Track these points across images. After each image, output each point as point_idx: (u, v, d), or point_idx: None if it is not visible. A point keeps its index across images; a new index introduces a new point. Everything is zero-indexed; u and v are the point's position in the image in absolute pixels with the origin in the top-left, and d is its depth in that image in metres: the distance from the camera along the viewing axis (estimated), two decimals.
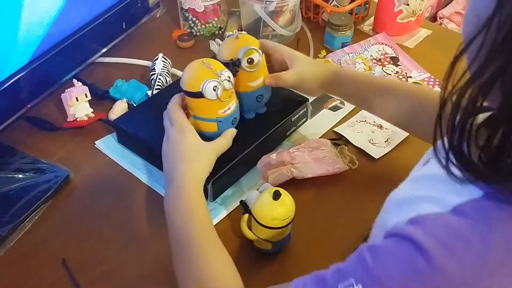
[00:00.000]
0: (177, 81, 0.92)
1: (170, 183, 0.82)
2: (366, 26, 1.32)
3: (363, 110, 1.06)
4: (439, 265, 0.49)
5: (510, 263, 0.49)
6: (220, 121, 0.88)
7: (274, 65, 0.98)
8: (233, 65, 0.89)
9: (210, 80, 0.83)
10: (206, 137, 0.87)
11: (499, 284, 0.49)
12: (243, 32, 0.93)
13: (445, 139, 0.53)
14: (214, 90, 0.84)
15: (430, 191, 0.58)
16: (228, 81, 0.86)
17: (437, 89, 1.12)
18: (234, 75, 0.89)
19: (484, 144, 0.50)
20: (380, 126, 1.03)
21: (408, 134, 1.00)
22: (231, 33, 1.22)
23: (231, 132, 0.89)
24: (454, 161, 0.53)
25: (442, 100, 0.53)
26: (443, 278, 0.49)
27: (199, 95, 0.84)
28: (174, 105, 0.88)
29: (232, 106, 0.88)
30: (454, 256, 0.49)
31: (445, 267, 0.49)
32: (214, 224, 0.86)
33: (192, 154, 0.83)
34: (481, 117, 0.53)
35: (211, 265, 0.72)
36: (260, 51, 0.90)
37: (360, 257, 0.54)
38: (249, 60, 0.89)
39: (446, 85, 0.52)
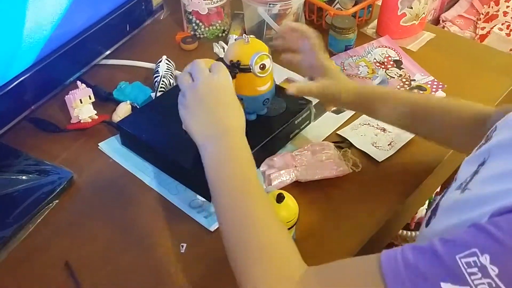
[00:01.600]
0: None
1: (216, 137, 0.74)
2: (370, 29, 1.32)
3: None
4: None
5: None
6: None
7: (303, 62, 0.97)
8: (232, 67, 0.89)
9: None
10: None
11: None
12: (252, 36, 0.93)
13: None
14: None
15: (508, 185, 0.57)
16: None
17: (441, 92, 1.12)
18: (233, 77, 0.89)
19: None
20: (384, 129, 1.03)
21: (411, 137, 1.00)
22: (236, 36, 1.23)
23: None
24: None
25: None
26: None
27: None
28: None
29: None
30: None
31: None
32: (216, 227, 0.86)
33: (235, 102, 0.78)
34: None
35: (269, 230, 0.68)
36: (270, 57, 0.91)
37: (479, 230, 0.53)
38: (261, 66, 0.89)
39: None
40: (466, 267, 0.51)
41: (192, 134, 0.77)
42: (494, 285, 0.50)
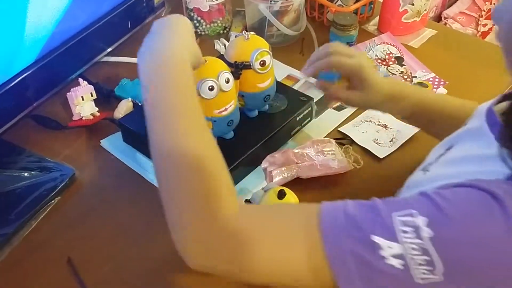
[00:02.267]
0: None
1: (154, 62, 0.66)
2: (371, 26, 1.32)
3: (367, 110, 1.06)
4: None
5: None
6: (215, 121, 0.88)
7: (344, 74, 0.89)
8: (236, 68, 0.89)
9: (207, 80, 0.84)
10: None
11: None
12: (252, 33, 0.94)
13: None
14: (210, 89, 0.84)
15: (461, 168, 0.60)
16: (227, 82, 0.86)
17: (442, 89, 1.12)
18: (237, 78, 0.89)
19: None
20: (385, 126, 1.03)
21: (413, 134, 1.00)
22: (237, 33, 1.23)
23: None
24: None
25: None
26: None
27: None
28: None
29: (229, 108, 0.88)
30: None
31: None
32: None
33: (182, 31, 0.71)
34: None
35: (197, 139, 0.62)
36: (271, 53, 0.91)
37: (424, 196, 0.55)
38: (261, 63, 0.89)
39: None
40: (399, 224, 0.53)
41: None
42: (422, 247, 0.51)
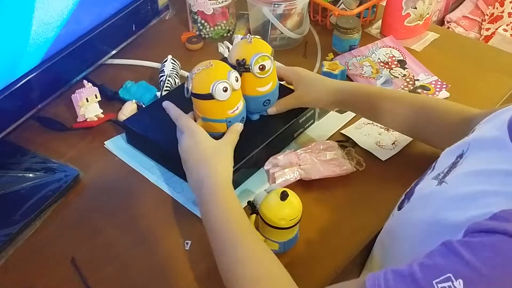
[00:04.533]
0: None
1: (199, 189, 0.80)
2: (374, 29, 1.32)
3: None
4: None
5: None
6: (230, 121, 0.88)
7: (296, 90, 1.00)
8: (238, 66, 0.89)
9: (220, 82, 0.84)
10: (215, 137, 0.88)
11: None
12: (257, 36, 0.94)
13: None
14: (224, 91, 0.84)
15: (485, 185, 0.59)
16: (236, 81, 0.86)
17: (445, 92, 1.13)
18: (241, 74, 0.89)
19: None
20: (387, 129, 1.03)
21: None
22: (241, 35, 1.24)
23: (237, 127, 0.89)
24: None
25: None
26: None
27: (209, 97, 0.85)
28: (176, 112, 0.89)
29: (240, 105, 0.89)
30: None
31: None
32: None
33: (211, 156, 0.82)
34: None
35: (260, 263, 0.71)
36: (272, 58, 0.91)
37: (453, 252, 0.55)
38: (260, 67, 0.90)
39: None
40: None
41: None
42: None
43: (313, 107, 1.02)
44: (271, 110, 0.98)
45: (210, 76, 0.85)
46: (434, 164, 0.75)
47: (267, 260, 0.71)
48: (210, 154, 0.83)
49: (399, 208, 0.75)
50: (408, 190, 0.76)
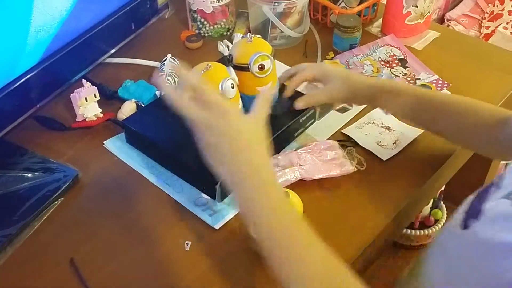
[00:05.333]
0: None
1: (239, 183, 0.67)
2: (375, 28, 1.32)
3: (371, 112, 1.06)
4: None
5: None
6: None
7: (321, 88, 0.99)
8: (228, 62, 0.90)
9: (227, 79, 0.85)
10: None
11: None
12: (257, 35, 0.93)
13: None
14: (232, 87, 0.85)
15: None
16: (232, 87, 0.86)
17: (446, 91, 1.12)
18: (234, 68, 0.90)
19: None
20: (388, 128, 1.03)
21: (416, 136, 1.00)
22: (241, 34, 1.23)
23: (268, 94, 0.76)
24: None
25: None
26: None
27: None
28: (193, 80, 0.71)
29: (240, 102, 0.90)
30: None
31: None
32: (221, 226, 0.87)
33: (252, 138, 0.69)
34: None
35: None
36: (271, 58, 0.91)
37: None
38: (260, 66, 0.89)
39: None
40: None
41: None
42: None
43: (345, 103, 1.03)
44: (298, 105, 0.95)
45: (212, 77, 0.84)
46: (496, 180, 0.68)
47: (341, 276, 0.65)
48: (250, 136, 0.69)
49: (465, 227, 0.67)
50: (469, 208, 0.68)
